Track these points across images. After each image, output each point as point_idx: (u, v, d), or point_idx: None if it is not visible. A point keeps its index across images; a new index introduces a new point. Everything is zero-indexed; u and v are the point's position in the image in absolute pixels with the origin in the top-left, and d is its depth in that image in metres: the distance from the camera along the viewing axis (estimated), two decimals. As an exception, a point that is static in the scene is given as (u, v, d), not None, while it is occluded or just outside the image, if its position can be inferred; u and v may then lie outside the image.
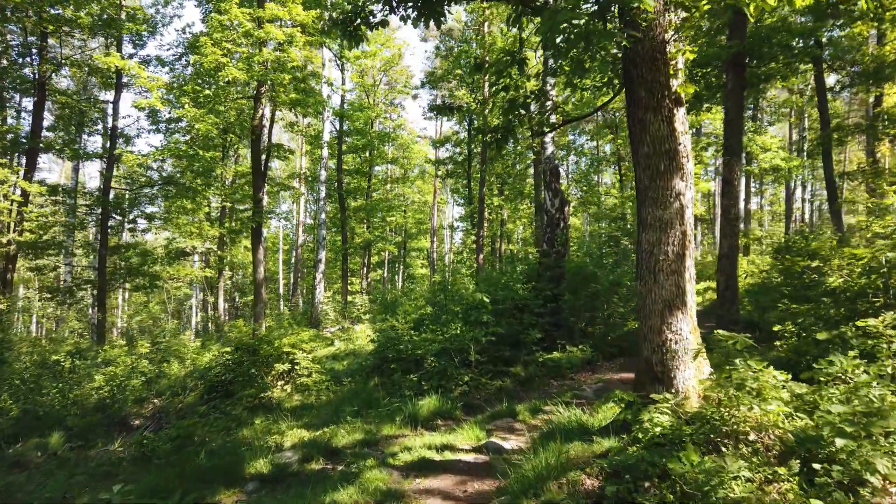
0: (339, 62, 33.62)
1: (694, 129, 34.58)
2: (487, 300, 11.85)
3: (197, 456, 7.84)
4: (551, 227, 14.81)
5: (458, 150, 36.70)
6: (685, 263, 6.26)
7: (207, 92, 18.42)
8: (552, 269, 14.05)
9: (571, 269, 14.02)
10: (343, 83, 34.15)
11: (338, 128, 34.36)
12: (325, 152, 26.21)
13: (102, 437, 10.28)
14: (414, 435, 8.36)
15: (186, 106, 17.92)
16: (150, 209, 26.62)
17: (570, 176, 44.61)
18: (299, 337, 12.65)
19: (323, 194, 27.66)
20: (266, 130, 21.02)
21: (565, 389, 10.58)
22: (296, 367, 12.14)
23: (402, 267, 47.21)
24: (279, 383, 12.12)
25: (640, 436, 5.50)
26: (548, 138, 18.83)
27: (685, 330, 6.15)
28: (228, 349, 12.35)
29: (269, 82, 18.47)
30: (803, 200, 40.39)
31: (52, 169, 48.47)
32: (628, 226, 19.63)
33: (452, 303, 12.90)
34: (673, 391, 6.01)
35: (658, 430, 5.29)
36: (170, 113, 19.86)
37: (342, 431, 8.64)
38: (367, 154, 37.45)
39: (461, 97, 29.46)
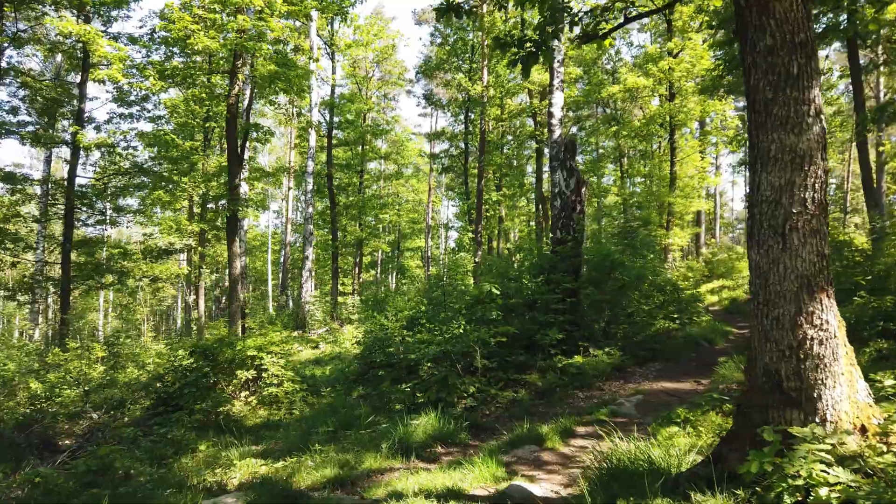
0: (328, 50, 31.32)
1: (697, 123, 32.42)
2: (497, 292, 9.51)
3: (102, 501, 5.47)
4: (566, 211, 12.52)
5: (453, 147, 34.47)
6: (826, 221, 3.98)
7: (176, 63, 16.06)
8: (569, 259, 11.74)
9: (593, 258, 11.71)
10: (333, 72, 31.85)
11: (328, 119, 32.05)
12: (313, 139, 23.89)
13: (11, 462, 7.87)
14: (406, 469, 6.03)
15: (151, 79, 15.52)
16: (123, 201, 24.25)
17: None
18: (269, 338, 10.26)
19: (310, 187, 25.31)
20: (245, 110, 18.70)
21: (596, 403, 8.28)
22: (263, 374, 9.78)
23: (395, 267, 44.78)
24: (242, 394, 9.76)
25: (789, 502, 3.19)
26: (555, 120, 16.61)
27: (832, 324, 3.85)
28: (182, 352, 9.97)
29: (245, 54, 16.14)
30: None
31: (35, 166, 45.95)
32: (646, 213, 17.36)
33: (453, 298, 10.57)
34: (818, 419, 3.71)
35: (835, 497, 2.97)
36: (138, 93, 17.45)
37: (309, 464, 6.30)
38: (360, 149, 35.04)
39: (459, 81, 27.16)
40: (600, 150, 38.78)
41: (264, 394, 9.64)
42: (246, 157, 24.22)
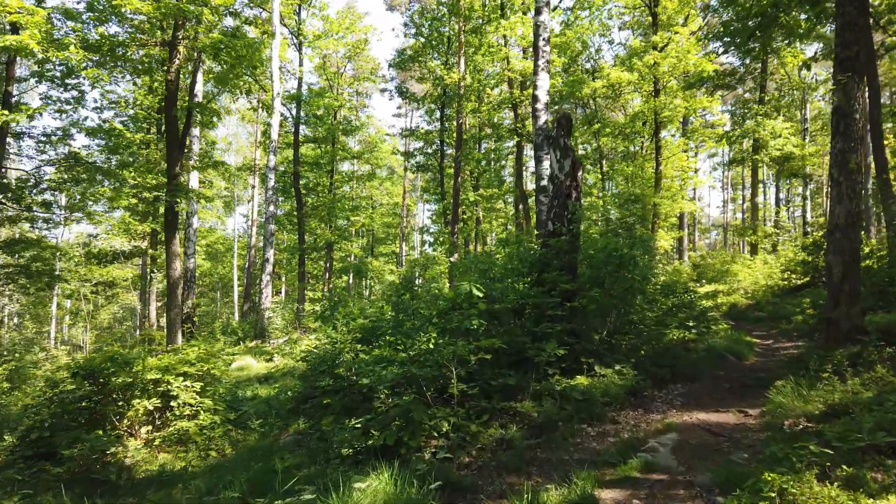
0: (295, 40, 28.81)
1: (703, 112, 30.47)
2: (480, 294, 7.08)
3: None
4: (559, 198, 10.18)
5: (428, 146, 32.05)
6: None
7: (101, 30, 13.45)
8: (565, 255, 9.39)
9: (593, 254, 9.36)
10: (300, 64, 29.33)
11: (294, 114, 29.49)
12: (275, 130, 21.26)
13: None
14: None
15: (73, 47, 12.89)
16: (66, 199, 21.45)
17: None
18: (182, 356, 7.71)
19: (271, 183, 22.68)
20: (189, 88, 16.13)
21: (615, 444, 5.91)
22: (172, 403, 7.23)
23: (355, 268, 41.97)
24: (142, 431, 7.20)
25: None
26: (540, 104, 14.47)
27: None
28: (63, 374, 7.40)
29: (186, 23, 13.62)
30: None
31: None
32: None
33: (422, 303, 8.15)
34: None
35: None
36: (60, 65, 14.71)
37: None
38: (330, 147, 32.46)
39: (433, 69, 24.80)
40: (580, 153, 36.71)
41: (172, 429, 7.10)
42: (197, 148, 21.59)
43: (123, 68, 14.87)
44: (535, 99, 14.28)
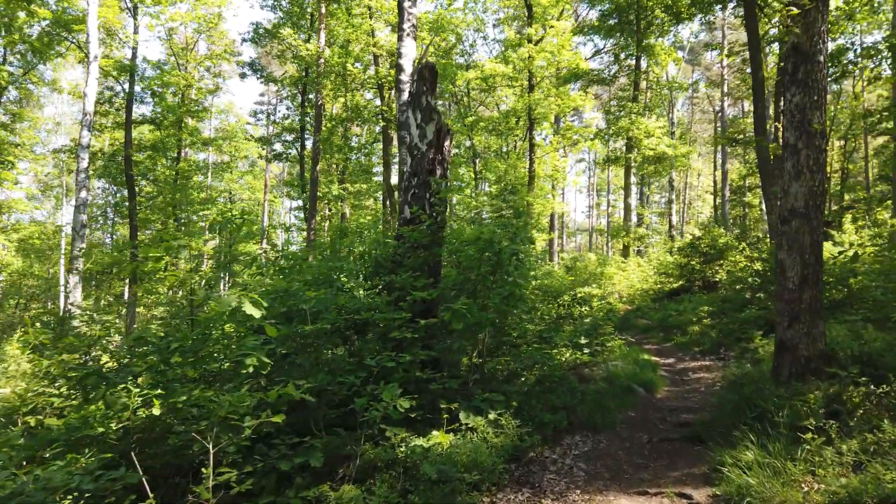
0: (129, 2, 24.03)
1: (573, 116, 29.11)
2: (259, 314, 3.98)
3: None
4: (420, 175, 7.42)
5: (289, 134, 28.28)
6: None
7: None
8: (424, 251, 6.60)
9: (463, 249, 6.63)
10: (135, 32, 24.55)
11: (127, 90, 24.62)
12: (91, 93, 16.88)
13: None
14: None
15: None
16: None
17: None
18: None
19: (83, 164, 18.17)
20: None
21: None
22: None
23: (227, 273, 37.19)
24: None
25: None
26: (405, 76, 11.56)
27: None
28: None
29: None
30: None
31: None
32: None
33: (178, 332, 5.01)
34: None
35: None
36: None
37: None
38: (175, 130, 27.72)
39: (287, 38, 21.26)
40: (454, 152, 34.59)
41: None
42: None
43: None
44: (399, 69, 11.41)
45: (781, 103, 16.32)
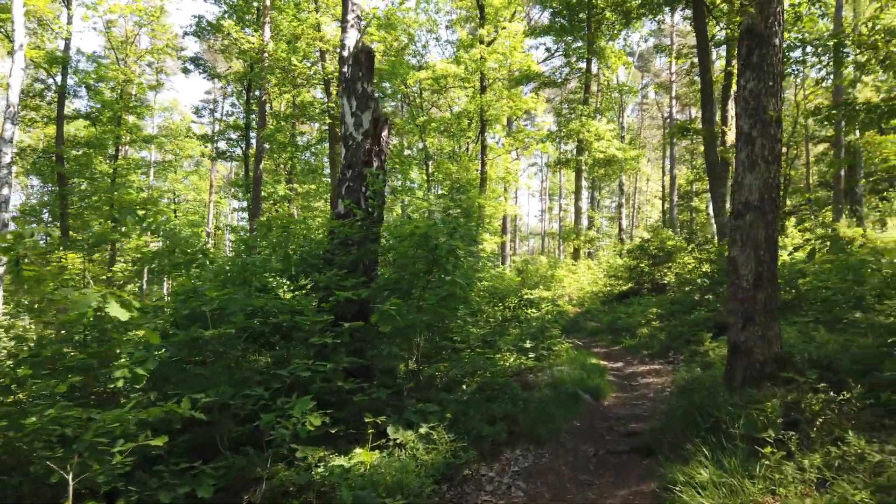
0: (61, -11, 22.62)
1: (525, 119, 28.88)
2: (127, 316, 3.34)
3: None
4: (355, 167, 6.85)
5: (233, 132, 27.12)
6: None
7: None
8: (358, 247, 6.03)
9: (399, 245, 6.06)
10: (69, 22, 23.13)
11: (58, 82, 23.14)
12: (15, 84, 15.51)
13: None
14: None
15: None
16: None
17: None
18: None
19: (6, 159, 16.82)
20: None
21: None
22: None
23: (168, 278, 35.65)
24: None
25: None
26: (349, 52, 10.88)
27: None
28: None
29: None
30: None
31: None
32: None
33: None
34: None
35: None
36: None
37: None
38: (114, 127, 26.25)
39: (229, 31, 20.32)
40: (406, 153, 33.95)
41: None
42: None
43: None
44: (342, 62, 10.80)
45: (729, 107, 16.37)
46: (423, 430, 4.62)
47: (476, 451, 4.68)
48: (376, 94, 7.71)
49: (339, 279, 5.29)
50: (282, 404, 4.02)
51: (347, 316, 5.54)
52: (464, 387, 6.32)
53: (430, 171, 31.67)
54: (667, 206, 34.29)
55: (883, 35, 8.43)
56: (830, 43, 9.10)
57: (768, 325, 4.70)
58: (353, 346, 5.30)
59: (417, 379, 5.91)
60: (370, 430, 4.51)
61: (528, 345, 7.34)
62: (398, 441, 4.54)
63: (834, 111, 8.61)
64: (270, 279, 5.73)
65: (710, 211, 28.75)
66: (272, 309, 4.97)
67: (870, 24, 8.71)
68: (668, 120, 33.04)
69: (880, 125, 8.80)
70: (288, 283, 6.02)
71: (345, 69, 10.58)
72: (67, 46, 23.49)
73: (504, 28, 24.14)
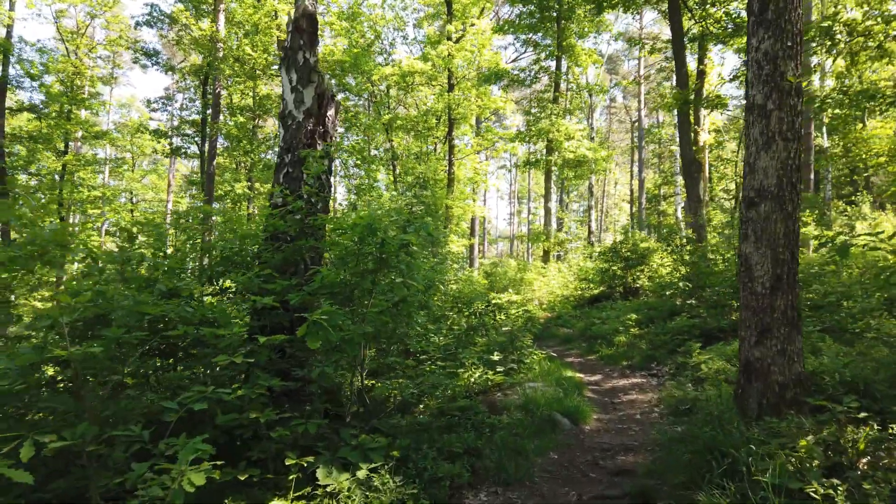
0: (2, -28, 20.99)
1: (494, 121, 28.03)
2: None
3: None
4: (294, 151, 5.80)
5: (189, 128, 25.64)
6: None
7: None
8: (292, 243, 4.98)
9: (343, 240, 5.02)
10: (11, 8, 21.48)
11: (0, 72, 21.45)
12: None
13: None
14: None
15: None
16: None
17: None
18: None
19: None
20: None
21: None
22: None
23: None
24: None
25: None
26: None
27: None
28: None
29: None
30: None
31: None
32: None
33: None
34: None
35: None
36: None
37: None
38: (62, 121, 24.55)
39: (176, 17, 18.99)
40: (374, 153, 32.82)
41: None
42: None
43: None
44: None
45: (700, 110, 15.56)
46: (361, 474, 3.59)
47: (429, 500, 3.65)
48: (326, 76, 6.68)
49: (263, 281, 4.22)
50: (164, 448, 2.94)
51: (278, 327, 4.50)
52: (422, 406, 5.32)
53: (398, 171, 30.62)
54: (635, 209, 33.86)
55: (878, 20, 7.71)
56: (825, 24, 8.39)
57: (789, 337, 3.79)
58: (281, 366, 4.26)
59: (364, 401, 4.87)
60: (293, 475, 3.46)
61: (495, 357, 6.35)
62: (330, 489, 3.50)
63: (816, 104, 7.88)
64: (181, 282, 4.62)
65: (679, 214, 28.31)
66: (175, 318, 3.88)
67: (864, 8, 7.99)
68: (637, 123, 32.62)
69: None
70: (208, 285, 4.94)
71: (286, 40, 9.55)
72: (9, 34, 21.84)
73: (472, 25, 23.32)
